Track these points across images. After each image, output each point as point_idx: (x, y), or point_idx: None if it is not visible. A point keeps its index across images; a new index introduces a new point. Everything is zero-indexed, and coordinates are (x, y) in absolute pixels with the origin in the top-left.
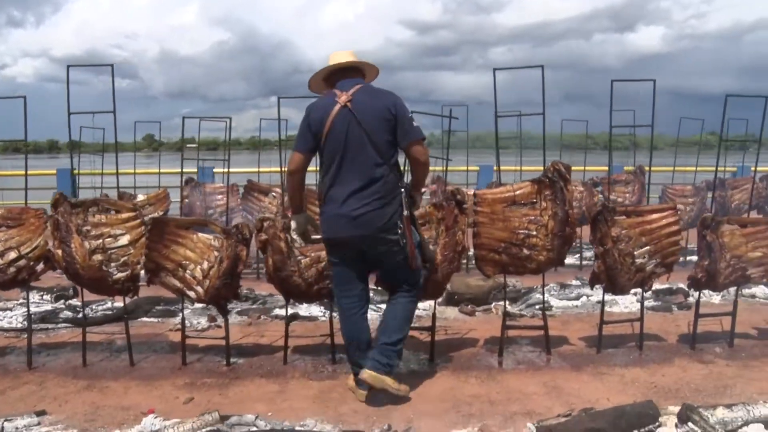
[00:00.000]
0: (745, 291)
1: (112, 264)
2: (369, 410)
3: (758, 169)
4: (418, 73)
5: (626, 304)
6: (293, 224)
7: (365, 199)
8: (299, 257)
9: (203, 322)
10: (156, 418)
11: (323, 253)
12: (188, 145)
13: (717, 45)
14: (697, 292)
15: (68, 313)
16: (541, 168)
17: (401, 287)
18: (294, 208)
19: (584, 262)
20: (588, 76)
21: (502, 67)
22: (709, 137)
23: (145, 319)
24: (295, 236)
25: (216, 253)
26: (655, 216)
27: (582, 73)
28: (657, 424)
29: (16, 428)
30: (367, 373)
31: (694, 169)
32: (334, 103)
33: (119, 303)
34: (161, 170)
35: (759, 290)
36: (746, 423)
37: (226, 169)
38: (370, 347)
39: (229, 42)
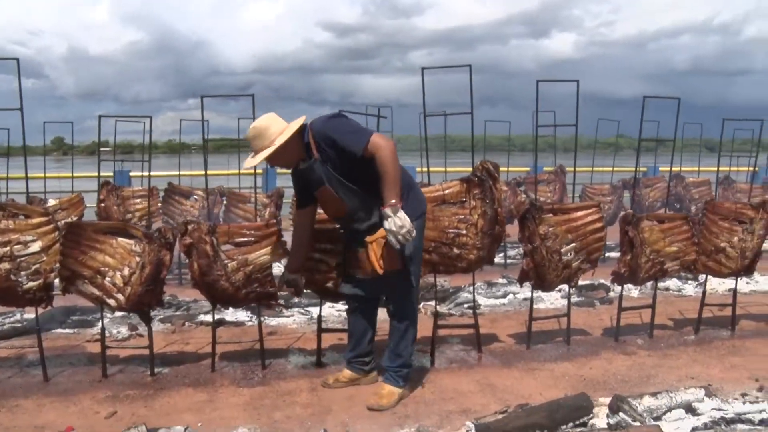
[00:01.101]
0: (660, 284)
1: (22, 273)
2: (303, 416)
3: (671, 169)
4: (338, 75)
5: (551, 300)
6: (405, 220)
7: None
8: (226, 261)
9: (123, 331)
10: None
11: (250, 257)
12: (102, 148)
13: (624, 52)
14: (620, 287)
15: None
16: (465, 169)
17: None
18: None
19: (509, 261)
20: (506, 80)
21: (430, 66)
22: (620, 139)
23: (59, 330)
24: (401, 235)
25: (137, 259)
26: (580, 213)
27: (500, 76)
28: (591, 415)
29: None
30: None
31: (611, 169)
32: None
33: (29, 314)
34: (74, 174)
35: (672, 283)
36: (670, 409)
37: (144, 173)
38: None
39: (143, 41)
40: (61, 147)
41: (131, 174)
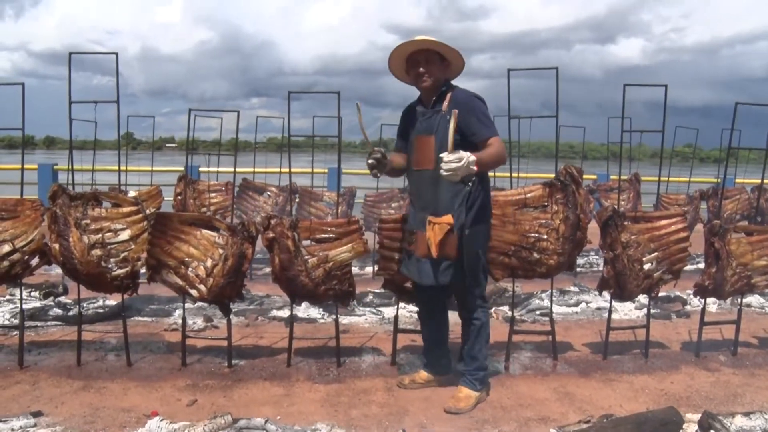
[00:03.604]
0: None
1: (112, 260)
2: (380, 415)
3: (745, 181)
4: None
5: (625, 311)
6: (465, 159)
7: None
8: (306, 257)
9: (199, 322)
10: (162, 420)
11: (331, 253)
12: (168, 144)
13: (694, 58)
14: (703, 300)
15: (58, 311)
16: (531, 175)
17: None
18: None
19: (578, 270)
20: (568, 86)
21: (516, 68)
22: (689, 149)
23: (138, 318)
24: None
25: (221, 251)
26: (663, 222)
27: (562, 82)
28: (680, 431)
29: (12, 429)
30: None
31: (687, 179)
32: None
33: (111, 301)
34: (144, 168)
35: (754, 299)
36: (764, 431)
37: (211, 168)
38: None
39: (212, 41)
40: (130, 142)
41: (200, 170)
